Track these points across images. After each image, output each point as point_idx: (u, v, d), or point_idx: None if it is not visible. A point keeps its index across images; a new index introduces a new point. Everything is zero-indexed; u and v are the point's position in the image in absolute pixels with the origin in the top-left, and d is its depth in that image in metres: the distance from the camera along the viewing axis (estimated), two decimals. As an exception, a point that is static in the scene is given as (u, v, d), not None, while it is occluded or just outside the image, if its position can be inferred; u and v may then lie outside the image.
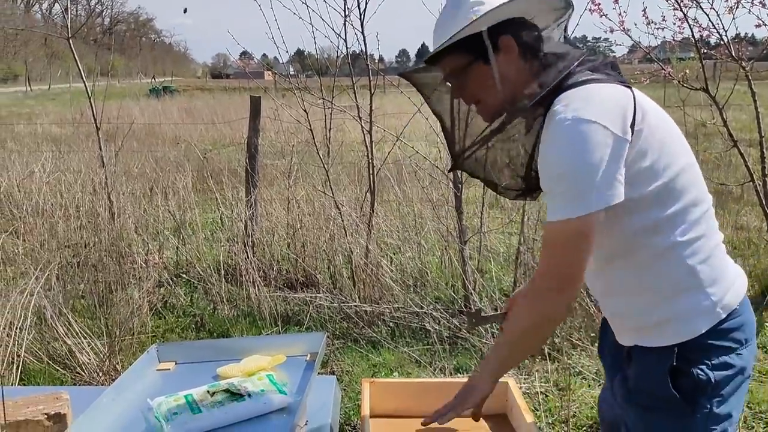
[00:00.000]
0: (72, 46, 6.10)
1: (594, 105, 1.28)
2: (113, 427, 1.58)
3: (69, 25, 6.07)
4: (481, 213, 4.41)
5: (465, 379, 1.68)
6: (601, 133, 1.26)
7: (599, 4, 3.78)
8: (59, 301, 3.80)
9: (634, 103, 1.33)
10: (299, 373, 1.82)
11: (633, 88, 1.38)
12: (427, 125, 4.21)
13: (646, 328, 1.44)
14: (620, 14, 3.77)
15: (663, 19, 3.88)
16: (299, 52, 5.74)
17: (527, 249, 4.17)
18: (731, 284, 1.43)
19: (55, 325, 3.55)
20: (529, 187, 1.47)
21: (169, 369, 1.93)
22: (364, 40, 4.19)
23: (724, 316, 1.39)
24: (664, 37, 4.13)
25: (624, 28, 3.81)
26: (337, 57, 4.71)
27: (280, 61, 6.31)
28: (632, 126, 1.30)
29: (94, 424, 1.54)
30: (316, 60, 5.46)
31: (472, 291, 4.10)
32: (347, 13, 4.17)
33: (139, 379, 1.84)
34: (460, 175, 4.25)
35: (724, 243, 1.49)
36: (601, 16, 3.82)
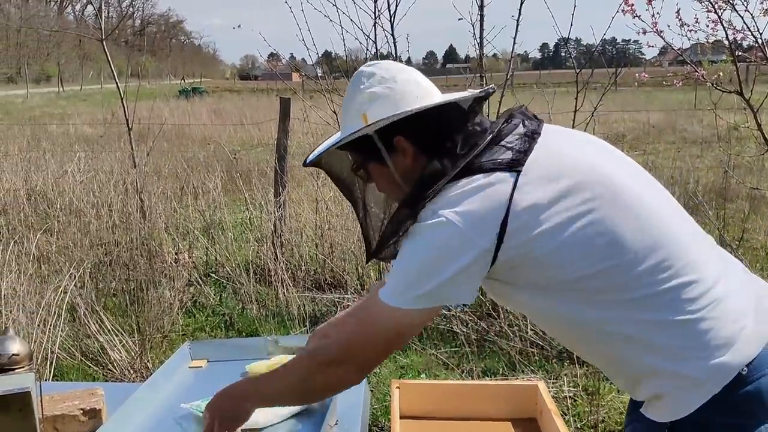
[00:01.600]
0: (105, 47, 6.21)
1: (457, 204, 1.19)
2: (149, 422, 1.61)
3: (102, 27, 6.18)
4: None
5: (492, 382, 1.67)
6: (456, 235, 1.18)
7: (632, 4, 3.74)
8: (92, 299, 3.87)
9: (508, 209, 1.17)
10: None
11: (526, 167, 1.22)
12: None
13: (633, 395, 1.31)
14: (653, 15, 3.73)
15: (696, 21, 3.83)
16: (327, 54, 5.77)
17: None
18: (725, 348, 1.18)
19: (88, 322, 3.61)
20: None
21: (201, 366, 1.96)
22: (394, 42, 4.20)
23: (721, 387, 1.16)
24: (698, 39, 4.07)
25: (657, 29, 3.77)
26: (366, 58, 4.72)
27: (308, 63, 6.35)
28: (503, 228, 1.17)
29: (130, 419, 1.57)
30: (345, 61, 5.48)
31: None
32: (377, 15, 4.19)
33: (172, 376, 1.87)
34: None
35: (760, 249, 1.41)
36: (634, 17, 3.78)
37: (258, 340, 2.03)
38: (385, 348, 1.32)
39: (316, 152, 1.45)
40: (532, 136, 1.27)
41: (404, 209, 1.27)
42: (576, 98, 4.01)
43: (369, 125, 1.29)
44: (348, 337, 1.35)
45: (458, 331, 3.86)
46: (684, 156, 8.00)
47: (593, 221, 1.18)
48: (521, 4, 3.98)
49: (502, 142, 1.26)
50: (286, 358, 1.86)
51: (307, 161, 1.47)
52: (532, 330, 3.82)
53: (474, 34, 4.15)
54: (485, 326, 3.93)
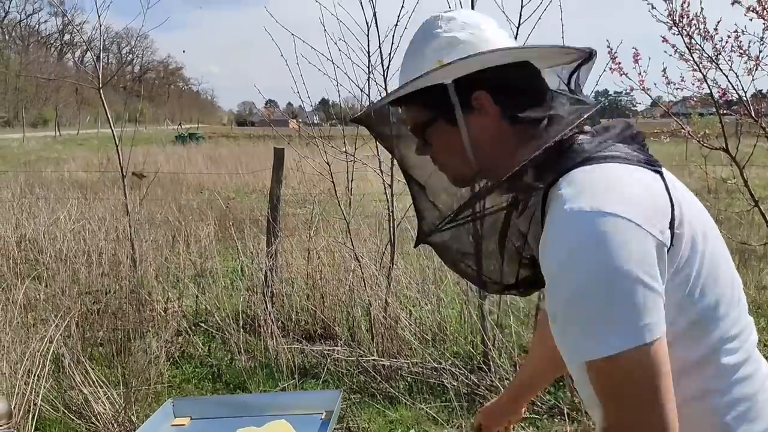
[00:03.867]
0: (102, 95, 6.29)
1: (618, 193, 0.94)
2: None
3: (100, 75, 6.27)
4: (501, 266, 4.37)
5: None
6: (635, 234, 0.91)
7: (619, 63, 3.82)
8: (77, 349, 3.82)
9: (670, 196, 0.99)
10: (315, 432, 1.80)
11: (663, 172, 1.03)
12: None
13: None
14: (640, 74, 3.80)
15: (682, 80, 3.90)
16: (323, 101, 5.84)
17: (547, 305, 4.12)
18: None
19: (73, 373, 3.55)
20: (520, 282, 1.15)
21: (184, 425, 1.92)
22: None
23: None
24: (683, 97, 4.15)
25: (644, 87, 3.84)
26: (360, 108, 4.79)
27: (305, 110, 6.42)
28: (671, 226, 0.96)
29: None
30: (340, 110, 5.55)
31: (491, 347, 4.05)
32: (371, 70, 4.26)
33: None
34: (479, 229, 4.24)
35: (750, 303, 1.26)
36: (621, 75, 3.85)
37: (242, 398, 2.01)
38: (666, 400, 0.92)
39: (375, 105, 1.20)
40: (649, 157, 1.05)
41: (501, 187, 1.06)
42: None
43: (446, 65, 1.03)
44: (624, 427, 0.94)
45: (448, 385, 3.82)
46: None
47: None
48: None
49: (614, 140, 1.05)
50: (279, 424, 1.82)
51: (355, 117, 1.24)
52: (523, 384, 3.77)
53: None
54: (476, 380, 3.89)
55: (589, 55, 1.09)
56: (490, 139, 1.07)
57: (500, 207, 1.16)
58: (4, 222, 6.07)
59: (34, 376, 3.30)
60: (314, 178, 5.56)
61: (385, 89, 4.24)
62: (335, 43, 4.24)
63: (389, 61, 4.14)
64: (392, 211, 4.40)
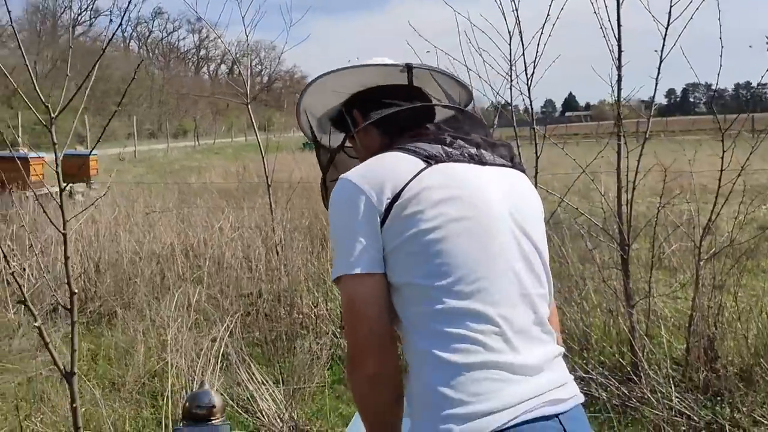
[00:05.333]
0: (249, 110, 6.74)
1: (363, 166, 1.32)
2: None
3: (248, 91, 6.72)
4: (650, 276, 4.27)
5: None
6: (350, 190, 1.27)
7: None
8: (241, 348, 4.12)
9: (410, 181, 1.26)
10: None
11: (436, 166, 1.30)
12: (587, 181, 4.20)
13: None
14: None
15: None
16: None
17: (702, 317, 3.98)
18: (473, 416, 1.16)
19: (239, 371, 3.84)
20: None
21: None
22: (531, 104, 4.28)
23: None
24: None
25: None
26: (486, 108, 4.81)
27: None
28: (394, 199, 1.24)
29: None
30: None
31: (641, 357, 3.96)
32: (512, 78, 4.29)
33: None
34: (627, 237, 4.17)
35: None
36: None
37: None
38: (364, 326, 1.23)
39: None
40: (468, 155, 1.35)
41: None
42: (722, 156, 3.90)
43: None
44: (347, 339, 1.31)
45: (598, 395, 3.78)
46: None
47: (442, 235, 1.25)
48: (662, 49, 3.94)
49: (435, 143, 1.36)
50: None
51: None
52: (677, 397, 3.67)
53: (611, 83, 4.14)
54: (626, 391, 3.82)
55: (406, 67, 1.47)
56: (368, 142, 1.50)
57: None
58: (169, 230, 6.63)
59: (208, 372, 3.60)
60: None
61: (529, 97, 4.27)
62: (477, 51, 4.31)
63: (533, 68, 4.16)
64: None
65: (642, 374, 3.90)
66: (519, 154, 4.37)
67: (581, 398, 1.32)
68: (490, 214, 1.28)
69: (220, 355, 3.79)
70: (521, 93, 4.28)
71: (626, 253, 4.21)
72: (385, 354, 1.22)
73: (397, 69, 1.48)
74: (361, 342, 1.22)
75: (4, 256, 2.09)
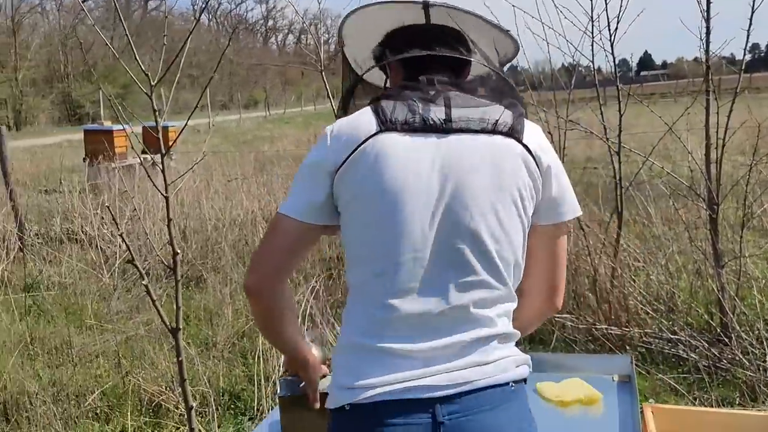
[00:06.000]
0: (324, 77, 6.77)
1: (346, 120, 1.31)
2: None
3: (322, 58, 6.76)
4: (741, 236, 4.12)
5: (752, 412, 1.64)
6: (321, 141, 1.30)
7: None
8: (326, 309, 4.23)
9: (365, 141, 1.25)
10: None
11: (390, 134, 1.25)
12: (667, 141, 4.06)
13: None
14: None
15: None
16: (514, 67, 5.78)
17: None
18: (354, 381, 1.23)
19: (324, 331, 3.95)
20: None
21: None
22: (614, 60, 4.16)
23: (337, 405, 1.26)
24: None
25: None
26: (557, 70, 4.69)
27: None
28: (344, 162, 1.25)
29: None
30: (530, 75, 5.46)
31: (732, 318, 3.85)
32: (594, 34, 4.17)
33: None
34: (716, 195, 4.03)
35: None
36: None
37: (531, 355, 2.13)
38: (275, 250, 1.32)
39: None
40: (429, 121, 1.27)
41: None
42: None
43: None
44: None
45: (686, 356, 3.71)
46: None
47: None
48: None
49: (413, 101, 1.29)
50: (575, 381, 1.92)
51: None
52: (771, 359, 3.57)
53: (700, 36, 3.97)
54: (716, 352, 3.73)
55: (424, 5, 1.35)
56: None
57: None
58: (249, 197, 6.82)
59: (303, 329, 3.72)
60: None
61: (612, 54, 4.14)
62: (556, 7, 4.20)
63: (617, 23, 4.03)
64: (619, 178, 4.30)
65: (733, 335, 3.80)
66: (603, 115, 4.28)
67: (506, 378, 1.26)
68: (413, 197, 1.23)
69: (307, 315, 3.91)
70: (603, 49, 4.16)
71: (715, 213, 4.07)
72: (266, 282, 1.31)
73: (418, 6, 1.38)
74: (256, 259, 1.32)
75: (113, 219, 2.20)
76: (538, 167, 1.29)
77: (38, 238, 6.97)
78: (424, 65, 1.34)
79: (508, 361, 1.27)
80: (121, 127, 12.03)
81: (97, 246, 6.42)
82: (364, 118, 1.28)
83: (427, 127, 1.26)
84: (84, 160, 11.59)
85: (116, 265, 5.93)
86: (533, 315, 1.41)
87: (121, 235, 2.22)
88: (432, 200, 1.23)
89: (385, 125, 1.25)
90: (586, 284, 4.54)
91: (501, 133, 1.28)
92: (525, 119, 1.33)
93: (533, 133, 1.33)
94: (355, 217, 1.27)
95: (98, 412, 3.55)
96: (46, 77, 40.06)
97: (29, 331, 4.58)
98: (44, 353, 4.31)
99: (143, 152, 4.75)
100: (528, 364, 1.32)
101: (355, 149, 1.25)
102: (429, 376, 1.20)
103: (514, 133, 1.28)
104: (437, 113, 1.27)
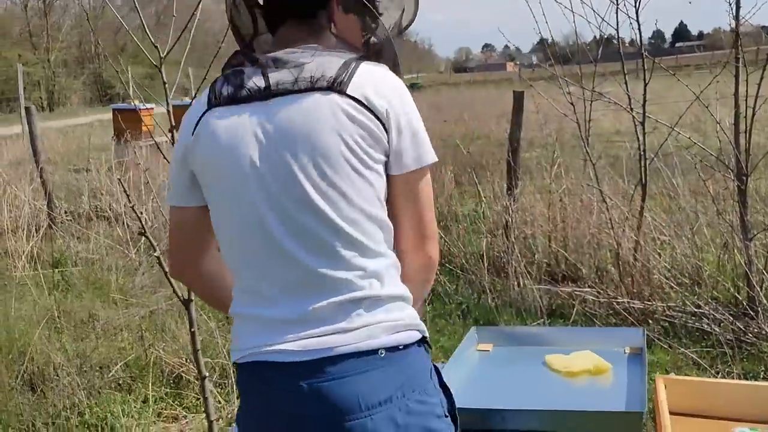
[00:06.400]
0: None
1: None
2: (465, 390, 1.77)
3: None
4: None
5: (760, 383, 1.58)
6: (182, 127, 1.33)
7: None
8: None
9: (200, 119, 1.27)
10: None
11: (216, 110, 1.26)
12: (697, 113, 3.96)
13: None
14: None
15: None
16: (542, 41, 5.66)
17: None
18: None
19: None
20: None
21: (488, 350, 2.09)
22: (639, 28, 4.05)
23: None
24: None
25: None
26: (587, 43, 4.59)
27: (523, 52, 6.26)
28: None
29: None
30: (562, 47, 5.36)
31: (759, 291, 3.77)
32: (618, 1, 4.06)
33: (466, 356, 2.02)
34: (745, 166, 3.92)
35: None
36: None
37: (540, 329, 2.12)
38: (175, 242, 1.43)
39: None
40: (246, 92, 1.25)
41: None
42: None
43: None
44: None
45: (710, 330, 3.64)
46: None
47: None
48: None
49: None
50: (585, 354, 1.90)
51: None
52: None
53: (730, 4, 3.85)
54: (741, 326, 3.65)
55: None
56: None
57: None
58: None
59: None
60: (553, 119, 5.46)
61: (637, 20, 4.03)
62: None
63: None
64: (644, 150, 4.21)
65: (760, 309, 3.72)
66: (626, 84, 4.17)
67: (371, 345, 1.21)
68: (241, 171, 1.23)
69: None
70: (628, 16, 4.05)
71: (744, 184, 3.96)
72: (180, 269, 1.46)
73: None
74: (169, 249, 1.45)
75: (125, 191, 2.22)
76: (374, 115, 1.21)
77: (67, 216, 7.10)
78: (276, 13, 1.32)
79: (376, 328, 1.20)
80: (148, 106, 12.15)
81: (123, 223, 6.51)
82: (201, 98, 1.30)
83: (250, 97, 1.24)
84: (112, 138, 11.74)
85: (142, 241, 6.01)
86: (412, 270, 1.30)
87: (133, 207, 2.23)
88: (260, 172, 1.22)
89: (213, 102, 1.27)
90: (609, 258, 4.48)
91: (320, 89, 1.21)
92: (361, 65, 1.24)
93: (367, 79, 1.23)
94: (207, 195, 1.32)
95: (121, 383, 3.61)
96: (77, 58, 40.56)
97: (56, 305, 4.68)
98: (70, 326, 4.40)
99: (170, 130, 4.76)
100: (418, 329, 1.26)
101: (192, 133, 1.28)
102: (290, 342, 1.20)
103: (336, 85, 1.21)
104: (257, 81, 1.24)
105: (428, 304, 4.62)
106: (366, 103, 1.21)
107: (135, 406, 3.32)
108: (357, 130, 1.20)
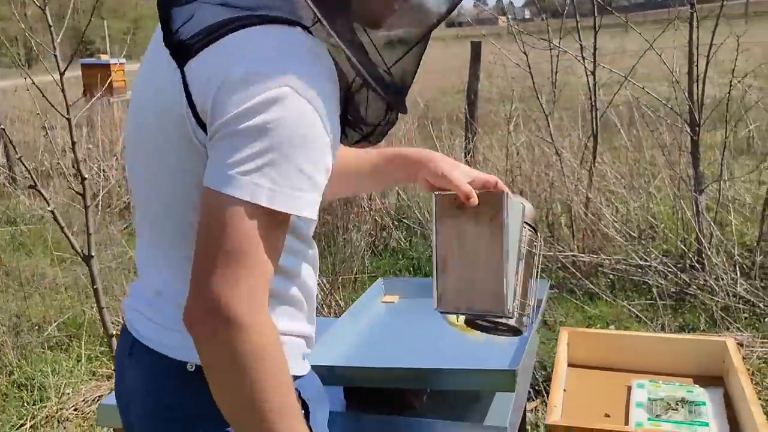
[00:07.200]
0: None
1: None
2: (352, 345, 1.71)
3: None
4: (722, 159, 3.94)
5: (673, 335, 1.54)
6: None
7: None
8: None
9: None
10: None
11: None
12: (664, 65, 3.86)
13: None
14: None
15: None
16: None
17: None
18: None
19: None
20: None
21: (393, 302, 2.02)
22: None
23: None
24: None
25: None
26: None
27: (515, 5, 6.11)
28: None
29: (336, 342, 1.67)
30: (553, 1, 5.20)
31: (708, 245, 3.72)
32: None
33: (367, 308, 1.95)
34: (697, 117, 3.83)
35: None
36: None
37: None
38: None
39: None
40: None
41: None
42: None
43: None
44: None
45: (653, 283, 3.60)
46: None
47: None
48: None
49: None
50: None
51: None
52: (744, 284, 3.45)
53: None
54: (687, 279, 3.62)
55: None
56: None
57: None
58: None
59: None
60: (519, 72, 5.32)
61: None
62: None
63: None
64: (595, 101, 4.11)
65: (706, 261, 3.68)
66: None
67: (145, 341, 1.08)
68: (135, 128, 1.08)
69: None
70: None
71: (696, 135, 3.88)
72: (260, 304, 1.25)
73: None
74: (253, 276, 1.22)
75: (72, 149, 2.11)
76: (190, 104, 0.92)
77: (28, 173, 6.96)
78: None
79: (156, 327, 1.07)
80: (118, 61, 11.88)
81: (82, 180, 6.39)
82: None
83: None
84: (84, 94, 11.51)
85: (99, 199, 5.91)
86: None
87: (77, 164, 2.14)
88: (132, 141, 1.09)
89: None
90: (559, 212, 4.42)
91: (171, 52, 0.94)
92: (248, 28, 0.90)
93: (222, 51, 0.90)
94: None
95: (58, 342, 3.56)
96: (56, 13, 39.67)
97: (4, 264, 4.60)
98: (16, 285, 4.33)
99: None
100: (181, 346, 0.97)
101: None
102: (128, 312, 1.16)
103: (182, 52, 0.92)
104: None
105: (382, 259, 4.57)
106: (189, 87, 1.00)
107: (67, 365, 3.27)
108: (176, 116, 1.01)
